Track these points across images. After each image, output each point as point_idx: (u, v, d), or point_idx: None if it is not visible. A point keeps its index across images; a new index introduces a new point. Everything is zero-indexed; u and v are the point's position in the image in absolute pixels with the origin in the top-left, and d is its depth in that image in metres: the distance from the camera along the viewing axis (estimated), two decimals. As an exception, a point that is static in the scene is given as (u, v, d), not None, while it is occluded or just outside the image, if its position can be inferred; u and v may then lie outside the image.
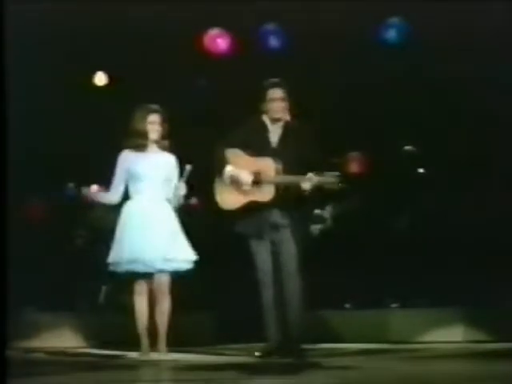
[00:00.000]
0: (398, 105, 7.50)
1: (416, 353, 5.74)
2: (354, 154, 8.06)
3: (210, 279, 7.17)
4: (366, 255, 7.25)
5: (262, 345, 5.29)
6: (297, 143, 5.12)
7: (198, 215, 7.35)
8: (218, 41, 7.47)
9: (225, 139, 5.31)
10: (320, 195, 4.95)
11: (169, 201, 5.42)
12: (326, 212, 7.80)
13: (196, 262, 5.40)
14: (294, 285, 5.10)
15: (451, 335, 6.61)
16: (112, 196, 5.43)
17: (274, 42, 7.45)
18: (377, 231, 7.54)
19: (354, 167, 8.01)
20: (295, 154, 5.08)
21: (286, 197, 5.05)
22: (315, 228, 7.80)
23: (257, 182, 5.13)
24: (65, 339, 6.82)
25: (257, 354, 5.19)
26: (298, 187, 4.98)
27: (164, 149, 5.46)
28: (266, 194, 5.08)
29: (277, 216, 5.15)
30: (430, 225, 7.43)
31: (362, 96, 7.42)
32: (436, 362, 5.03)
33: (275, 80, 5.27)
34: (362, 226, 7.58)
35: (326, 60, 7.29)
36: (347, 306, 7.51)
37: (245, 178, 5.14)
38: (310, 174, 4.90)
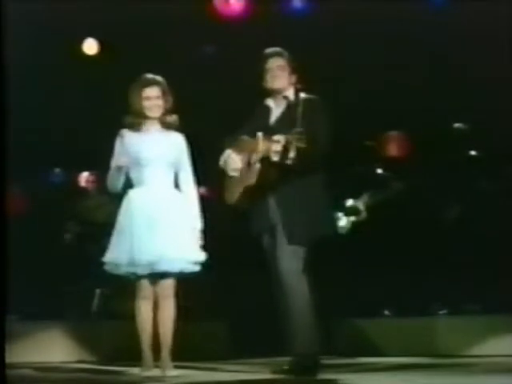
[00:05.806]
0: (446, 75, 7.44)
1: (467, 368, 5.71)
2: (393, 134, 8.01)
3: (222, 283, 7.18)
4: (408, 253, 7.23)
5: (283, 360, 5.27)
6: (298, 120, 5.08)
7: (209, 207, 7.34)
8: (231, 1, 7.48)
9: (233, 134, 5.39)
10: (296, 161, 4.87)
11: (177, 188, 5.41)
12: (361, 202, 7.78)
13: (206, 263, 5.35)
14: (295, 293, 5.06)
15: (508, 347, 6.57)
16: (110, 184, 5.38)
17: (296, 2, 7.45)
18: (420, 225, 7.50)
19: (392, 149, 7.99)
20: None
21: (271, 173, 5.05)
22: (348, 221, 7.79)
23: (248, 163, 5.17)
24: (53, 353, 6.85)
25: (272, 371, 5.18)
26: (281, 159, 4.94)
27: (169, 126, 5.42)
28: (252, 175, 5.11)
29: (272, 207, 5.16)
30: (484, 217, 7.37)
31: (401, 65, 7.37)
32: (491, 379, 4.98)
33: (274, 49, 5.34)
34: (403, 219, 7.54)
35: (356, 25, 7.24)
36: (386, 313, 7.50)
37: (233, 161, 5.27)
38: (277, 136, 4.92)
